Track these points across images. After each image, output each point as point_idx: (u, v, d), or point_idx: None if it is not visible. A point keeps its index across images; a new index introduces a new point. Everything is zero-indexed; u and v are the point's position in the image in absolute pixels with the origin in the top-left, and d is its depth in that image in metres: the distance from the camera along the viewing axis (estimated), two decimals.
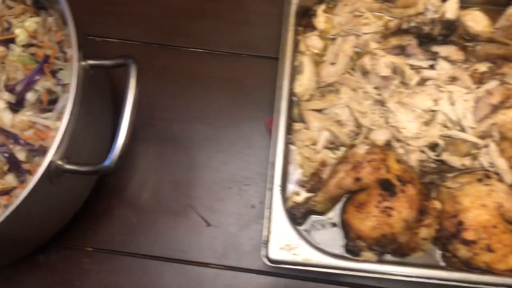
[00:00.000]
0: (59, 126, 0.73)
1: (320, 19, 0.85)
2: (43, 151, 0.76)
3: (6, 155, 0.74)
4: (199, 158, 0.84)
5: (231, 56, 0.89)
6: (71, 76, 0.75)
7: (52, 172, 0.59)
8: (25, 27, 0.79)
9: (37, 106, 0.76)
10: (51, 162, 0.58)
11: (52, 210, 0.68)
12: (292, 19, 0.79)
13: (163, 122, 0.86)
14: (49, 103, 0.76)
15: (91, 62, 0.63)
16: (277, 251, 0.68)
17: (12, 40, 0.79)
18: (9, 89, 0.76)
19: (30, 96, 0.76)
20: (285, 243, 0.68)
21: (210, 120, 0.86)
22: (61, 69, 0.77)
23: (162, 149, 0.85)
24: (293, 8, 0.79)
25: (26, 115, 0.76)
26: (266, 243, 0.69)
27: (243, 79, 0.88)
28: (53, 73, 0.76)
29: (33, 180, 0.57)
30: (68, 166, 0.60)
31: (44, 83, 0.75)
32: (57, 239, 0.78)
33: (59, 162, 0.60)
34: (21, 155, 0.75)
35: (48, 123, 0.74)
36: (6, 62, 0.78)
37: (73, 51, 0.61)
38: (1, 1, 0.79)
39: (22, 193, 0.57)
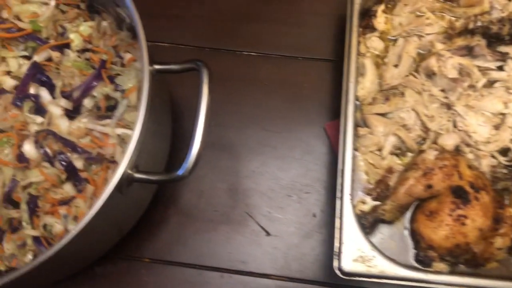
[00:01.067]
0: (119, 133, 0.73)
1: (380, 20, 0.82)
2: (100, 159, 0.73)
3: (64, 163, 0.71)
4: (256, 165, 0.81)
5: (286, 59, 0.87)
6: (131, 81, 0.74)
7: (123, 181, 0.57)
8: (79, 31, 0.77)
9: (94, 112, 0.74)
10: (123, 172, 0.56)
11: (116, 221, 0.65)
12: (355, 20, 0.75)
13: (217, 128, 0.83)
14: (107, 110, 0.74)
15: (157, 67, 0.61)
16: (350, 263, 0.65)
17: (67, 45, 0.77)
18: (66, 95, 0.74)
19: (87, 103, 0.74)
20: (358, 255, 0.65)
21: (266, 125, 0.83)
22: (118, 74, 0.75)
23: (217, 156, 0.82)
24: (356, 8, 0.76)
25: (82, 122, 0.74)
26: (338, 254, 0.66)
27: (299, 82, 0.85)
28: (110, 78, 0.74)
29: (106, 190, 0.55)
30: (138, 175, 0.58)
31: (102, 89, 0.73)
32: (113, 249, 0.75)
33: (129, 172, 0.57)
34: (78, 163, 0.72)
35: (106, 130, 0.72)
36: (61, 67, 0.76)
37: (143, 56, 0.59)
38: (54, 5, 0.77)
39: (96, 204, 0.54)
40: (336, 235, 0.67)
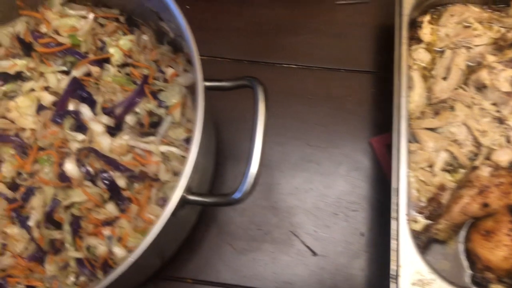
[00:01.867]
0: (163, 150, 0.70)
1: (426, 31, 0.80)
2: (143, 177, 0.71)
3: (107, 182, 0.69)
4: (300, 181, 0.78)
5: (328, 71, 0.84)
6: (175, 97, 0.71)
7: (178, 204, 0.54)
8: (119, 45, 0.75)
9: (136, 129, 0.72)
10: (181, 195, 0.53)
11: (165, 242, 0.63)
12: (405, 32, 0.73)
13: None
14: (150, 127, 0.72)
15: (209, 84, 0.58)
16: (409, 287, 0.62)
17: (106, 60, 0.75)
18: (107, 111, 0.72)
19: (129, 119, 0.72)
20: (417, 278, 0.62)
21: (309, 140, 0.80)
22: (161, 90, 0.73)
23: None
24: (405, 20, 0.74)
25: (124, 139, 0.71)
26: (396, 278, 0.63)
27: (342, 95, 0.82)
28: (153, 94, 0.72)
29: (164, 215, 0.52)
30: (192, 198, 0.55)
31: (145, 105, 0.71)
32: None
33: (184, 194, 0.55)
34: (121, 182, 0.70)
35: (150, 148, 0.69)
36: (101, 83, 0.74)
37: (197, 73, 0.56)
38: (93, 19, 0.75)
39: (155, 228, 0.52)
40: (393, 257, 0.64)
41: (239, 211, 0.77)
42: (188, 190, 0.56)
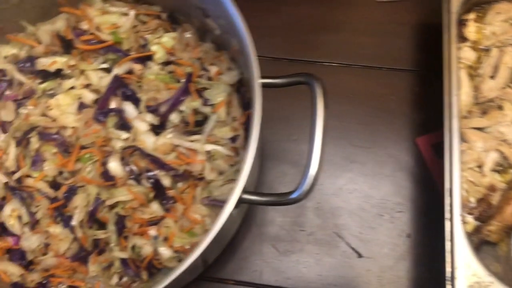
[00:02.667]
0: (209, 149, 0.69)
1: (471, 29, 0.78)
2: (187, 176, 0.70)
3: (152, 181, 0.68)
4: (343, 182, 0.77)
5: (368, 69, 0.83)
6: (220, 95, 0.70)
7: (236, 203, 0.53)
8: (162, 43, 0.74)
9: (180, 128, 0.71)
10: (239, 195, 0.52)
11: (216, 243, 0.61)
12: (454, 30, 0.71)
13: (297, 143, 0.80)
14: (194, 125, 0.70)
15: (264, 81, 0.57)
16: None
17: (148, 58, 0.74)
18: (151, 110, 0.70)
19: (173, 118, 0.71)
20: (474, 281, 0.61)
21: (351, 139, 0.79)
22: (205, 88, 0.71)
23: (299, 171, 0.78)
24: (454, 18, 0.72)
25: (167, 138, 0.70)
26: (452, 280, 0.61)
27: (384, 94, 0.81)
28: (198, 92, 0.71)
29: (223, 215, 0.51)
30: (246, 197, 0.54)
31: (190, 104, 0.70)
32: None
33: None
34: (166, 181, 0.69)
35: (195, 147, 0.68)
36: (144, 81, 0.73)
37: (253, 70, 0.55)
38: (134, 16, 0.74)
39: (212, 230, 0.51)
40: (447, 259, 0.62)
41: (281, 211, 0.76)
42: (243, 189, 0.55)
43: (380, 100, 0.81)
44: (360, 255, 0.73)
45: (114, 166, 0.68)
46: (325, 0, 0.87)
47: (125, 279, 0.69)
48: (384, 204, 0.75)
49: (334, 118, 0.80)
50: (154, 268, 0.67)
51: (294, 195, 0.53)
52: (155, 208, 0.68)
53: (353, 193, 0.76)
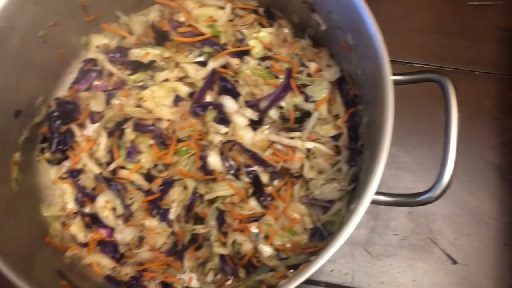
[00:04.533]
0: (309, 147, 0.67)
1: None
2: (283, 173, 0.69)
3: (251, 176, 0.67)
4: None
5: (460, 72, 0.81)
6: (322, 92, 0.69)
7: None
8: (259, 38, 0.73)
9: (277, 124, 0.69)
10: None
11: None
12: None
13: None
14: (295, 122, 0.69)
15: (395, 78, 0.55)
16: None
17: (245, 52, 0.73)
18: (251, 105, 0.69)
19: (272, 113, 0.69)
20: None
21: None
22: (305, 84, 0.70)
23: (392, 175, 0.76)
24: None
25: (265, 134, 0.69)
26: None
27: (476, 98, 0.79)
28: (298, 88, 0.69)
29: (358, 215, 0.49)
30: (378, 198, 0.52)
31: (291, 100, 0.69)
32: None
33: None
34: (264, 177, 0.68)
35: (295, 143, 0.67)
36: (241, 76, 0.71)
37: (384, 67, 0.54)
38: (231, 9, 0.73)
39: (346, 231, 0.49)
40: None
41: (373, 214, 0.74)
42: None
43: (472, 104, 0.79)
44: (455, 262, 0.71)
45: (214, 160, 0.67)
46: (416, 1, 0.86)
47: (219, 276, 0.67)
48: (480, 210, 0.73)
49: (423, 121, 0.78)
50: (252, 266, 0.65)
51: (426, 196, 0.51)
52: (253, 204, 0.66)
53: (448, 198, 0.74)
